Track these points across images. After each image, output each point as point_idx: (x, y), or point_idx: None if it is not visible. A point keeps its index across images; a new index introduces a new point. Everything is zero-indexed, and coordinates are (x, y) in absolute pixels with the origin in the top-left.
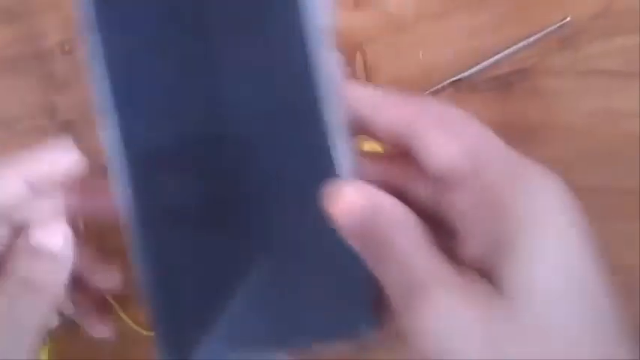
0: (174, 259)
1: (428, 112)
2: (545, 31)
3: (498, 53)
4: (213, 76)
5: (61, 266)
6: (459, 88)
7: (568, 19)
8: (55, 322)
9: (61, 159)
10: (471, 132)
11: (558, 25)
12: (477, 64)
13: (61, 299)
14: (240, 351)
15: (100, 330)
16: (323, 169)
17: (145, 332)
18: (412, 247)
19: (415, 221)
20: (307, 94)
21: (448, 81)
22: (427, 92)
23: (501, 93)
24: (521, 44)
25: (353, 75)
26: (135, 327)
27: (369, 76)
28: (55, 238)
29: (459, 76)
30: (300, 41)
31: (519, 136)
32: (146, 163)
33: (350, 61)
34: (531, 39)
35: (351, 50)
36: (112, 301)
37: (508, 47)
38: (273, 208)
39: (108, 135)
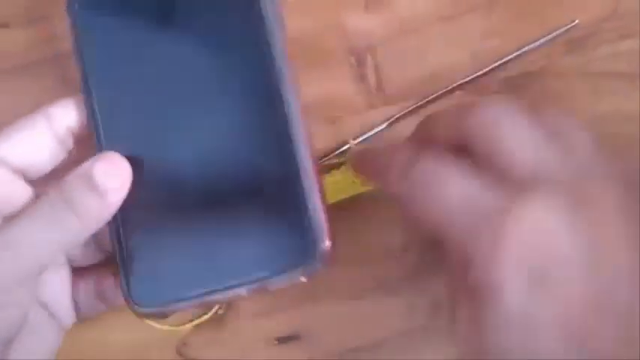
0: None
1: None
2: (553, 34)
3: (507, 56)
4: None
5: (106, 206)
6: (468, 91)
7: (577, 21)
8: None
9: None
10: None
11: (566, 27)
12: (486, 66)
13: (87, 237)
14: (200, 289)
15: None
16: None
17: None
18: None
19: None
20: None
21: (457, 83)
22: (436, 94)
23: (510, 95)
24: (529, 47)
25: (364, 78)
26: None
27: (379, 78)
28: (112, 177)
29: (467, 79)
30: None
31: None
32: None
33: (361, 64)
34: (539, 42)
35: (362, 53)
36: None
37: (516, 50)
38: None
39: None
